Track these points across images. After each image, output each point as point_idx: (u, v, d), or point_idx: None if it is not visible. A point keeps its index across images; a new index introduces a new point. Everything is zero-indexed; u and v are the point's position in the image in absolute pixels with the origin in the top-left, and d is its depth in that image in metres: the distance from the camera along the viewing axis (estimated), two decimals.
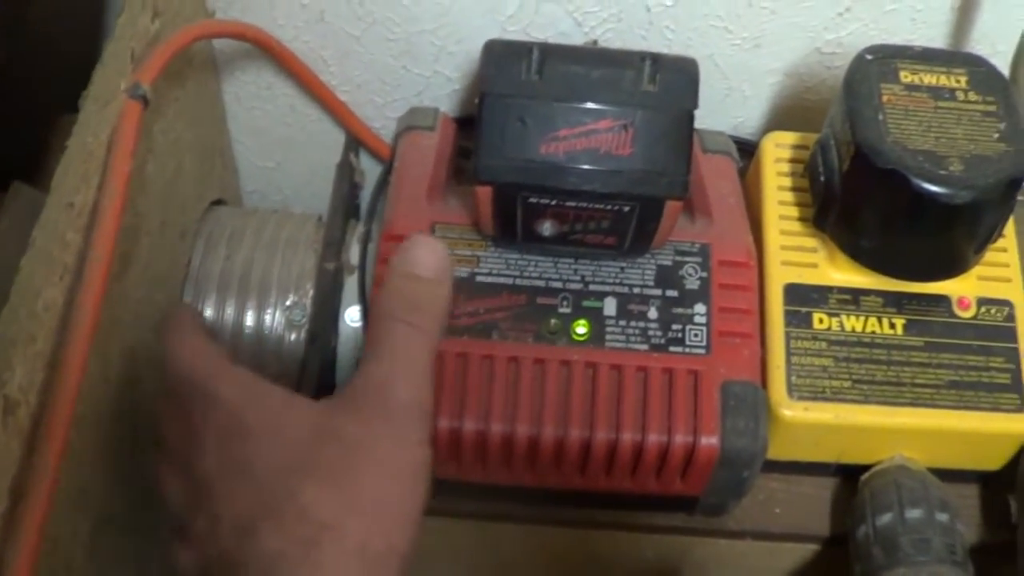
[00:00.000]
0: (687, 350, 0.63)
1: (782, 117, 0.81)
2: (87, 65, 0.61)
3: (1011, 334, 0.67)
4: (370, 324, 0.51)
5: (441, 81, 0.79)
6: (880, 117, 0.63)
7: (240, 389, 0.50)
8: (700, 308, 0.64)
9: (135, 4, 0.65)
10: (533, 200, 0.61)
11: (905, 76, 0.65)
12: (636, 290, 0.64)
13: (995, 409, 0.65)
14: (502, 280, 0.64)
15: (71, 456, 0.54)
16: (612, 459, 0.61)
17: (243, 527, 0.45)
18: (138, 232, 0.66)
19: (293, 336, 0.72)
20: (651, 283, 0.65)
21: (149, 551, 0.69)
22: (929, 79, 0.65)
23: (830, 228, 0.66)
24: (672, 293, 0.64)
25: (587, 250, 0.64)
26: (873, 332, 0.66)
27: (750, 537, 0.69)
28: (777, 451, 0.66)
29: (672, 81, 0.60)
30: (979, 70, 0.66)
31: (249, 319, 0.73)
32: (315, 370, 0.69)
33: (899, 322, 0.67)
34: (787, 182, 0.71)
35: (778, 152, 0.72)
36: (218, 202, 0.80)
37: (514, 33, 0.75)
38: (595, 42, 0.75)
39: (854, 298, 0.67)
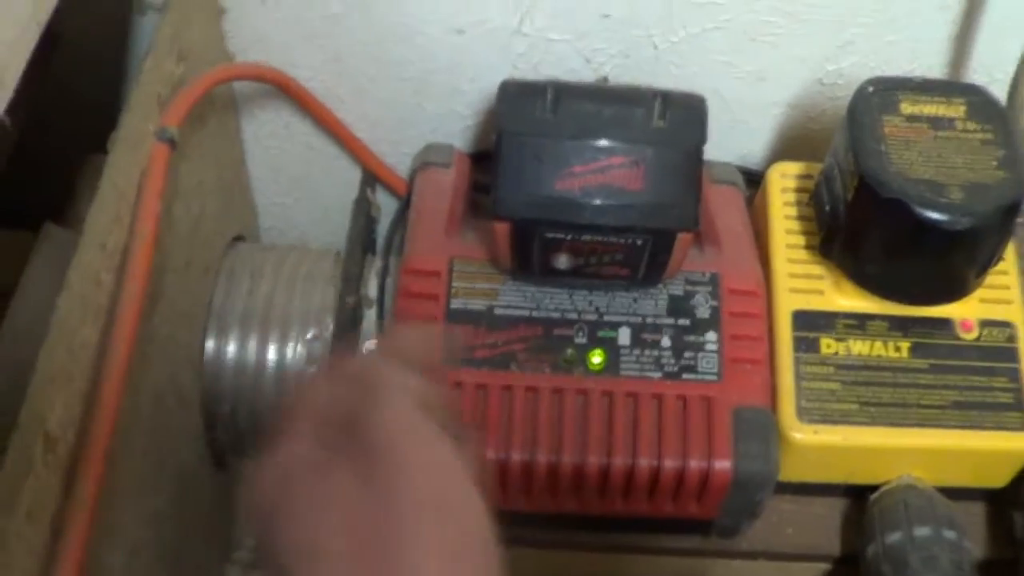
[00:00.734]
0: (700, 377, 0.65)
1: (787, 147, 0.83)
2: (111, 108, 0.63)
3: (1013, 355, 0.69)
4: None
5: (455, 118, 0.81)
6: (882, 148, 0.65)
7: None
8: (711, 336, 0.66)
9: (161, 49, 0.68)
10: (550, 235, 0.63)
11: (905, 107, 0.67)
12: (649, 320, 0.66)
13: (999, 428, 0.67)
14: (520, 312, 0.66)
15: (104, 490, 0.56)
16: (630, 484, 0.63)
17: None
18: (164, 271, 0.68)
19: (314, 369, 0.74)
20: (664, 312, 0.67)
21: None
22: (929, 109, 0.67)
23: (836, 256, 0.68)
24: (684, 322, 0.66)
25: (601, 282, 0.66)
26: (879, 356, 0.68)
27: (763, 557, 0.71)
28: (788, 473, 0.68)
29: (681, 118, 0.63)
30: (977, 99, 0.68)
31: (271, 353, 0.75)
32: None
33: (904, 345, 0.69)
34: (793, 211, 0.73)
35: (784, 182, 0.74)
36: (238, 238, 0.82)
37: (525, 70, 0.77)
38: (605, 79, 0.78)
39: (860, 323, 0.69)
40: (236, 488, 0.71)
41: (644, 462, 0.62)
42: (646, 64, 0.77)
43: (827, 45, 0.77)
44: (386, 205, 0.84)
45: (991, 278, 0.70)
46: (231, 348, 0.75)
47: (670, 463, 0.62)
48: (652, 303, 0.67)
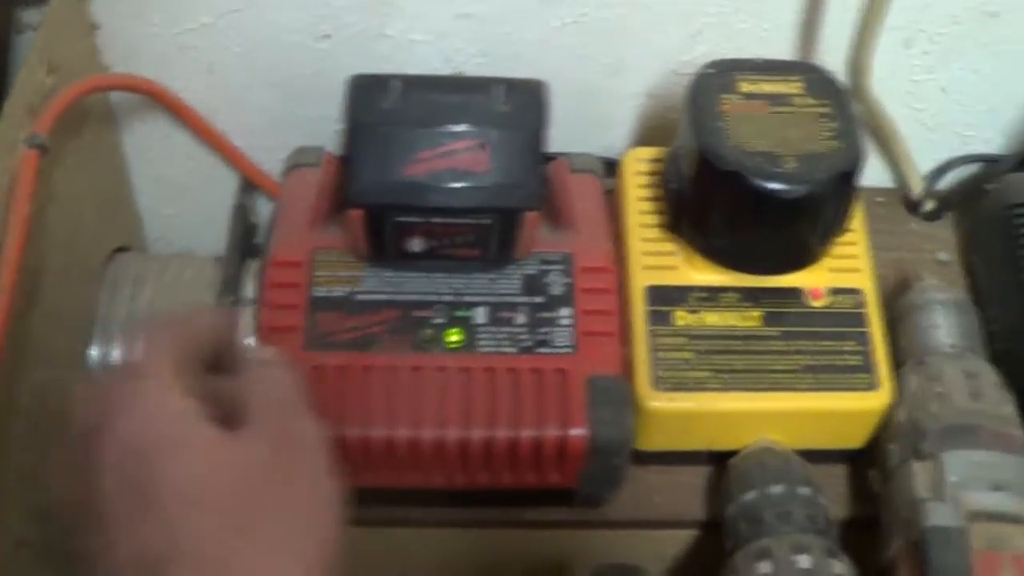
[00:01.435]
0: (554, 351, 0.67)
1: (648, 136, 0.86)
2: None
3: (861, 319, 0.72)
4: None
5: (326, 122, 0.83)
6: (720, 124, 0.68)
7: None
8: (565, 312, 0.69)
9: (32, 61, 0.70)
10: (402, 218, 0.66)
11: (744, 86, 0.70)
12: (505, 298, 0.69)
13: (849, 389, 0.70)
14: (380, 297, 0.68)
15: None
16: (489, 455, 0.65)
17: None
18: (41, 272, 0.70)
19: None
20: (519, 291, 0.69)
21: None
22: (767, 87, 0.71)
23: (685, 232, 0.71)
24: (539, 299, 0.69)
25: (458, 264, 0.69)
26: (732, 326, 0.71)
27: (632, 526, 0.73)
28: (650, 443, 0.70)
29: (523, 101, 0.66)
30: (814, 76, 0.72)
31: None
32: None
33: (756, 315, 0.71)
34: (646, 193, 0.75)
35: (638, 166, 0.77)
36: (122, 248, 0.84)
37: (390, 72, 0.80)
38: (460, 74, 0.81)
39: (712, 296, 0.72)
40: None
41: (502, 433, 0.65)
42: (506, 61, 0.80)
43: (679, 36, 0.80)
44: (266, 210, 0.86)
45: (840, 248, 0.73)
46: (116, 353, 0.77)
47: (528, 433, 0.65)
48: (508, 283, 0.69)
